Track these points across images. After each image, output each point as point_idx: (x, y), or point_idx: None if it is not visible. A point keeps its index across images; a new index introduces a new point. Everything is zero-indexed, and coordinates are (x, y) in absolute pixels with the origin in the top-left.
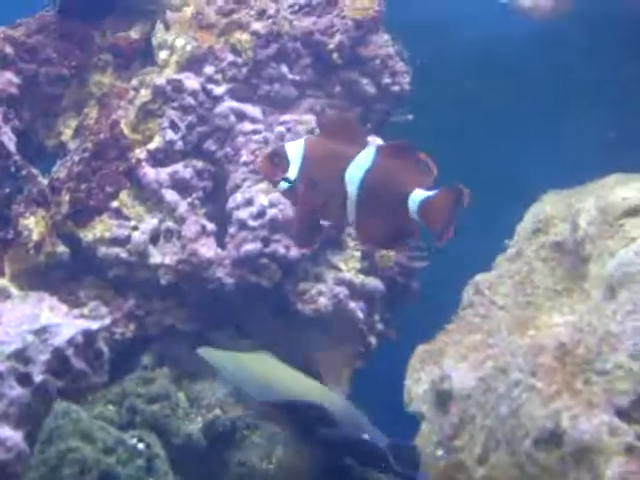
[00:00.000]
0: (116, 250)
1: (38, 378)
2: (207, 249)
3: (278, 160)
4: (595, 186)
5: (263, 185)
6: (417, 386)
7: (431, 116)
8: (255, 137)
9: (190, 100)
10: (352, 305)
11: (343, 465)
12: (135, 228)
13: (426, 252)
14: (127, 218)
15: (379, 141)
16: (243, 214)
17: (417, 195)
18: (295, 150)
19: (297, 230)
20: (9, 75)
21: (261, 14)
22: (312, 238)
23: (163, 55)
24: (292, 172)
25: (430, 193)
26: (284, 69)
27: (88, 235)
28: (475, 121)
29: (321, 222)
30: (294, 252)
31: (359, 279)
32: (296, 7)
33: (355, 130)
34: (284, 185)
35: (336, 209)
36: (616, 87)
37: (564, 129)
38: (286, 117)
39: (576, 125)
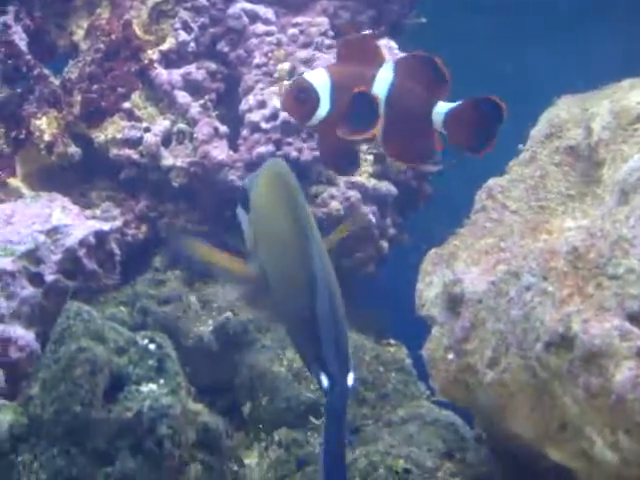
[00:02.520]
0: (128, 151)
1: (50, 278)
2: (219, 151)
3: (305, 95)
4: (609, 90)
5: (276, 87)
6: (429, 290)
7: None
8: (268, 39)
9: (203, 1)
10: (364, 209)
11: None
12: (147, 129)
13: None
14: (139, 119)
15: (393, 44)
16: (256, 116)
17: (442, 107)
18: (321, 81)
19: (335, 159)
20: None
21: None
22: (351, 163)
23: None
24: (324, 105)
25: (454, 105)
26: None
27: (100, 136)
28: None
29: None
30: (306, 155)
31: (371, 183)
32: None
33: (371, 48)
34: (317, 119)
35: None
36: None
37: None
38: (299, 19)
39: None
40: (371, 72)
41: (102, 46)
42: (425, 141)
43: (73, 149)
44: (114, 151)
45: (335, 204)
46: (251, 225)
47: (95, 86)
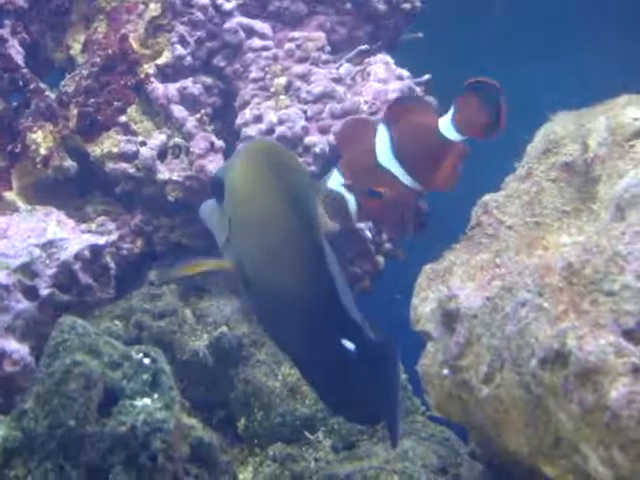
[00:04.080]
0: (124, 165)
1: (44, 292)
2: (215, 165)
3: (336, 202)
4: (605, 107)
5: (272, 102)
6: (424, 305)
7: (442, 35)
8: (264, 53)
9: (199, 15)
10: (360, 224)
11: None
12: (143, 143)
13: None
14: (135, 133)
15: (389, 59)
16: (252, 131)
17: (444, 120)
18: (335, 182)
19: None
20: None
21: None
22: (405, 227)
23: None
24: (352, 204)
25: (451, 111)
26: None
27: (96, 150)
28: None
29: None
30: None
31: None
32: None
33: (363, 124)
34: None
35: (395, 190)
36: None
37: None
38: (295, 34)
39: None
40: (368, 143)
41: (98, 60)
42: (452, 161)
43: (69, 163)
44: (110, 165)
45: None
46: (225, 214)
47: (91, 100)
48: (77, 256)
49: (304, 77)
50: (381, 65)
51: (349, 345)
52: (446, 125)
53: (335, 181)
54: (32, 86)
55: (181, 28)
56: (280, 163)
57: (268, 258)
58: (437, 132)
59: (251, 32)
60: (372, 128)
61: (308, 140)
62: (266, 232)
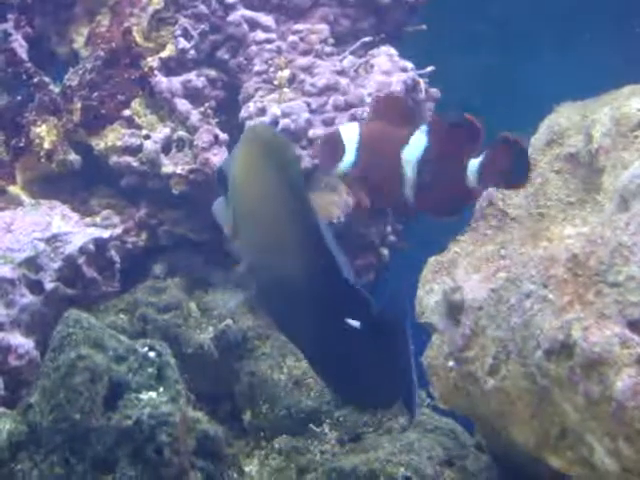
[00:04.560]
0: (128, 159)
1: (49, 286)
2: (219, 158)
3: (334, 145)
4: (609, 97)
5: (276, 95)
6: (429, 297)
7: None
8: (268, 46)
9: (203, 8)
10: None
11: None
12: (147, 137)
13: None
14: (139, 127)
15: (393, 51)
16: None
17: (473, 164)
18: (351, 134)
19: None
20: None
21: None
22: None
23: None
24: (348, 158)
25: (481, 158)
26: None
27: (100, 143)
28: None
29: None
30: (306, 162)
31: None
32: None
33: (407, 110)
34: (340, 171)
35: (391, 190)
36: None
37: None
38: (299, 26)
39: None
40: (405, 134)
41: (102, 53)
42: (459, 201)
43: (73, 157)
44: (114, 158)
45: (335, 211)
46: (229, 205)
47: (95, 94)
48: (82, 250)
49: (308, 70)
50: (385, 57)
51: (354, 323)
52: (473, 171)
53: (351, 136)
54: (36, 80)
55: (185, 21)
56: (272, 149)
57: (268, 242)
58: (463, 171)
59: (255, 25)
60: (416, 122)
61: (312, 133)
62: (263, 217)
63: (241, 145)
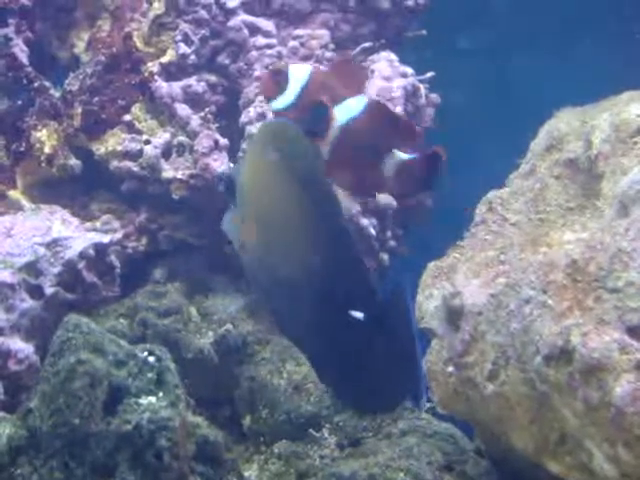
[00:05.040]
0: (128, 164)
1: (49, 291)
2: (220, 163)
3: (277, 79)
4: (609, 103)
5: None
6: (428, 302)
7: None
8: (268, 51)
9: (203, 13)
10: (364, 221)
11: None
12: (147, 142)
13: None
14: (139, 132)
15: (393, 57)
16: (256, 129)
17: (394, 157)
18: (299, 74)
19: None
20: None
21: None
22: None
23: None
24: (289, 95)
25: (407, 156)
26: None
27: (100, 148)
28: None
29: None
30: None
31: None
32: None
33: (360, 74)
34: (276, 105)
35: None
36: None
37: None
38: (300, 31)
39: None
40: (343, 95)
41: (103, 58)
42: (370, 180)
43: (73, 161)
44: (114, 163)
45: None
46: (239, 213)
47: (95, 98)
48: (82, 254)
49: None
50: (385, 62)
51: (357, 315)
52: (390, 164)
53: (299, 78)
54: (36, 84)
55: (185, 26)
56: (285, 147)
57: (284, 242)
58: (380, 158)
59: (255, 30)
60: (359, 90)
61: None
62: (281, 215)
63: (249, 151)
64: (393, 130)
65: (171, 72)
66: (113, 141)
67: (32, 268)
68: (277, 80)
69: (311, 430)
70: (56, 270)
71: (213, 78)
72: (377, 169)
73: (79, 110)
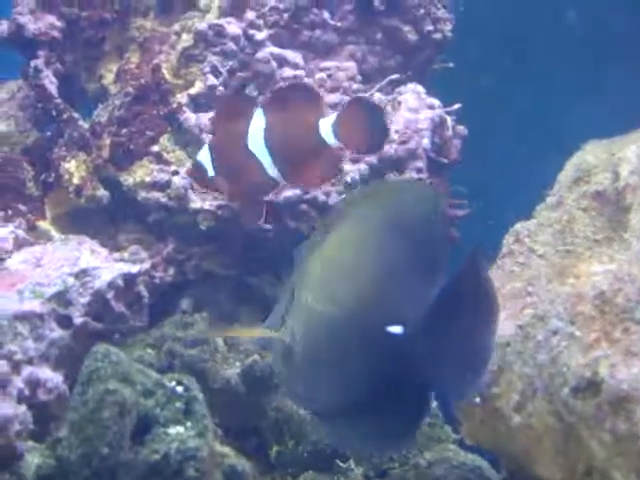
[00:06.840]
0: (156, 195)
1: (78, 320)
2: None
3: (197, 171)
4: (636, 135)
5: None
6: None
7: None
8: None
9: (232, 45)
10: None
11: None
12: (175, 173)
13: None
14: (167, 162)
15: (420, 89)
16: None
17: (326, 122)
18: (204, 154)
19: (244, 215)
20: (51, 19)
21: None
22: (258, 213)
23: (205, 0)
24: (210, 172)
25: (333, 116)
26: (325, 15)
27: (128, 179)
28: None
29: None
30: (334, 198)
31: None
32: None
33: (244, 105)
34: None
35: (257, 178)
36: None
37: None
38: (327, 63)
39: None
40: (242, 129)
41: (131, 90)
42: (323, 160)
43: (102, 192)
44: (142, 194)
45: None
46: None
47: (124, 130)
48: (110, 285)
49: (336, 107)
50: (412, 94)
51: (396, 330)
52: (327, 128)
53: (204, 155)
54: (65, 116)
55: (213, 58)
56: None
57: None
58: (315, 132)
59: (283, 61)
60: (252, 110)
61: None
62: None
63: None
64: (303, 106)
65: (199, 103)
66: (141, 172)
67: (61, 298)
68: (197, 173)
69: (338, 461)
70: (85, 300)
71: None
72: (322, 146)
73: (107, 141)
